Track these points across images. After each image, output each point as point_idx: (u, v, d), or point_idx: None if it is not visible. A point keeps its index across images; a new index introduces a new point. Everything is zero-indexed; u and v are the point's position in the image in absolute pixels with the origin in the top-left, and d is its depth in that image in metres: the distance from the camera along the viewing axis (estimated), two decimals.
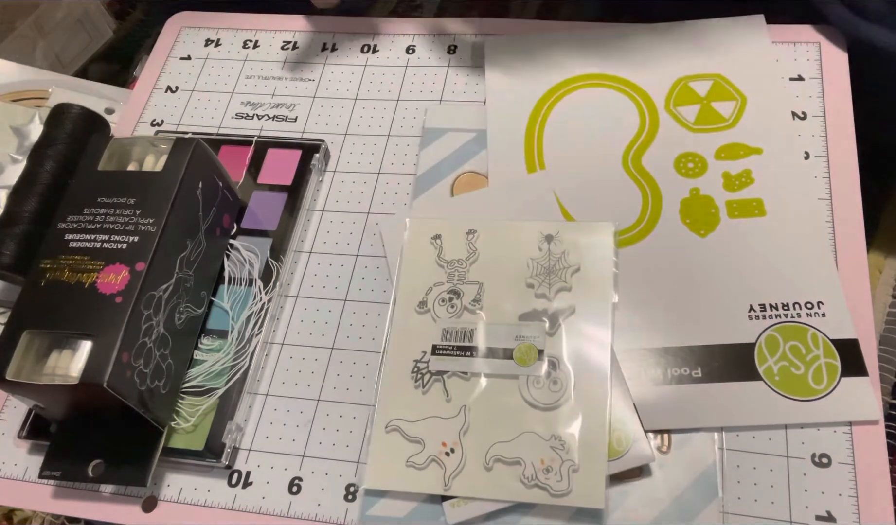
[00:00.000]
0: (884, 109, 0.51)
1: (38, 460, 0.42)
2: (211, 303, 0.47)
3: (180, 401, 0.44)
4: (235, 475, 0.42)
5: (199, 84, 0.58)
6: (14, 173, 0.55)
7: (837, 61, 0.50)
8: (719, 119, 0.49)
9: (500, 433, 0.40)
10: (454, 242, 0.46)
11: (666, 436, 0.40)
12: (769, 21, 0.52)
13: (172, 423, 0.43)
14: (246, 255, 0.49)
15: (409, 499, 0.40)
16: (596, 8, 0.68)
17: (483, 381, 0.42)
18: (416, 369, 0.43)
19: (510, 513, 0.39)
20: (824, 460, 0.39)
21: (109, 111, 0.62)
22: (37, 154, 0.49)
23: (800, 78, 0.50)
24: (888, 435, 0.40)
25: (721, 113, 0.50)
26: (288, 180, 0.51)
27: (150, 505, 0.42)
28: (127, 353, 0.39)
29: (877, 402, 0.40)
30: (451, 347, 0.43)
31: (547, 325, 0.42)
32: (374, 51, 0.58)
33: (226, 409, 0.43)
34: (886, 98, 0.51)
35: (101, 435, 0.42)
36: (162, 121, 0.57)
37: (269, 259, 0.48)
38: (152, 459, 0.41)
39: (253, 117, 0.56)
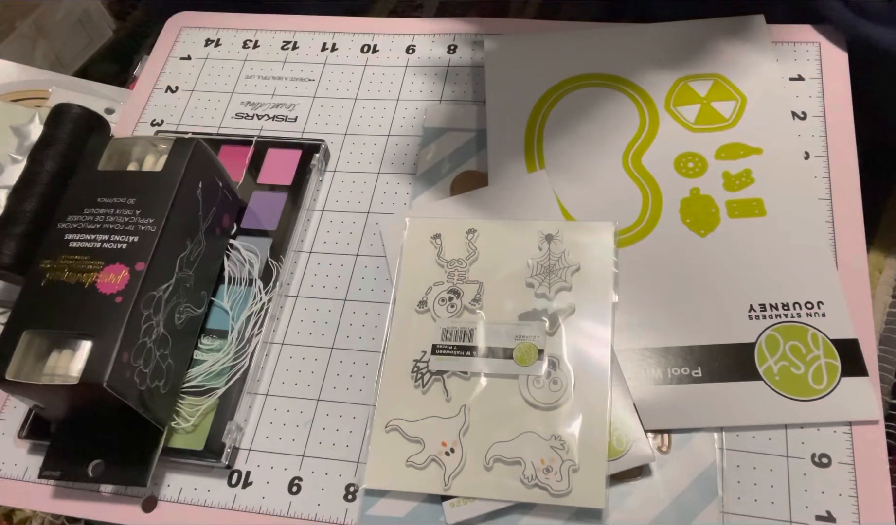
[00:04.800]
0: (884, 109, 0.51)
1: (38, 460, 0.42)
2: (211, 303, 0.47)
3: (180, 401, 0.44)
4: (235, 475, 0.42)
5: (199, 84, 0.58)
6: (14, 173, 0.55)
7: (837, 61, 0.50)
8: (719, 119, 0.49)
9: (500, 433, 0.40)
10: (454, 242, 0.46)
11: (666, 436, 0.40)
12: (769, 21, 0.52)
13: (172, 423, 0.43)
14: (246, 255, 0.49)
15: (409, 499, 0.40)
16: (596, 8, 0.68)
17: (483, 380, 0.42)
18: (415, 369, 0.43)
19: (510, 513, 0.39)
20: (824, 460, 0.39)
21: (109, 111, 0.62)
22: (37, 154, 0.49)
23: (800, 78, 0.50)
24: (888, 435, 0.40)
25: (721, 113, 0.50)
26: (288, 180, 0.51)
27: (150, 505, 0.42)
28: (127, 353, 0.39)
29: (877, 402, 0.40)
30: (450, 347, 0.43)
31: (547, 324, 0.42)
32: (374, 51, 0.58)
33: (226, 409, 0.43)
34: (886, 98, 0.51)
35: (101, 435, 0.42)
36: (162, 121, 0.57)
37: (269, 259, 0.48)
38: (152, 459, 0.41)
39: (253, 117, 0.56)
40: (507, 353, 0.42)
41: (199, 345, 0.46)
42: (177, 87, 0.59)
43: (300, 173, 0.51)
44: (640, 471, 0.39)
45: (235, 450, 0.43)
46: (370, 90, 0.56)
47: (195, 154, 0.45)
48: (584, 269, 0.44)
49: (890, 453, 0.39)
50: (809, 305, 0.42)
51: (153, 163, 0.46)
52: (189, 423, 0.43)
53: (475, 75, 0.55)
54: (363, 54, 0.58)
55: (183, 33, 0.62)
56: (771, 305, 0.43)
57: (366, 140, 0.54)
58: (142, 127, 0.57)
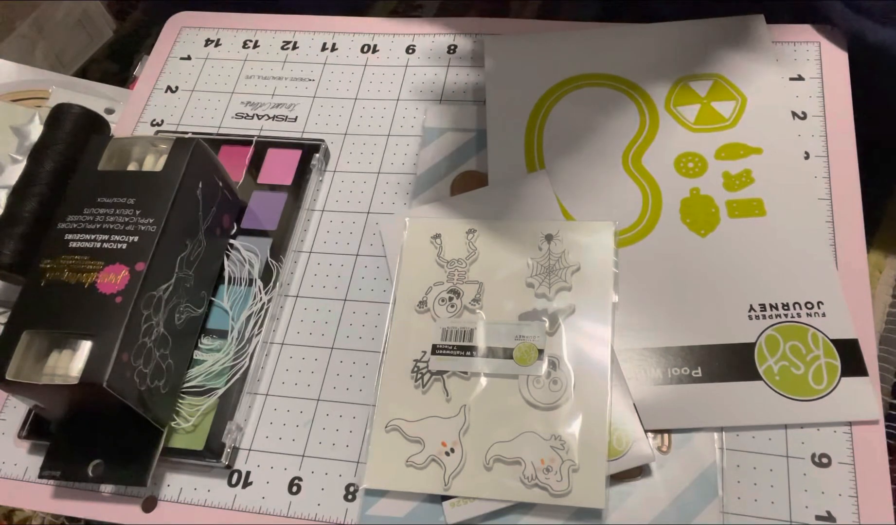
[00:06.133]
0: (884, 109, 0.51)
1: (38, 460, 0.42)
2: (211, 303, 0.47)
3: (180, 401, 0.44)
4: (235, 475, 0.42)
5: (199, 84, 0.58)
6: (14, 173, 0.55)
7: (837, 61, 0.50)
8: (719, 119, 0.49)
9: (500, 433, 0.40)
10: (454, 242, 0.46)
11: (666, 436, 0.40)
12: (769, 21, 0.52)
13: (172, 423, 0.43)
14: (246, 255, 0.49)
15: (409, 499, 0.40)
16: (596, 8, 0.68)
17: (483, 380, 0.42)
18: (415, 369, 0.43)
19: (510, 513, 0.39)
20: (824, 460, 0.39)
21: (109, 111, 0.62)
22: (37, 154, 0.49)
23: (800, 78, 0.50)
24: (888, 435, 0.40)
25: (721, 113, 0.50)
26: (288, 180, 0.51)
27: (150, 505, 0.42)
28: (127, 353, 0.39)
29: (877, 402, 0.40)
30: (450, 347, 0.43)
31: (547, 324, 0.42)
32: (374, 51, 0.58)
33: (226, 409, 0.43)
34: (886, 98, 0.51)
35: (101, 435, 0.42)
36: (162, 121, 0.57)
37: (269, 259, 0.48)
38: (152, 459, 0.41)
39: (253, 117, 0.56)
40: (507, 353, 0.42)
41: (199, 345, 0.46)
42: (177, 87, 0.59)
43: (300, 173, 0.51)
44: (640, 471, 0.39)
45: (235, 450, 0.43)
46: (370, 90, 0.56)
47: (195, 154, 0.45)
48: (584, 269, 0.44)
49: (890, 453, 0.39)
50: (809, 305, 0.42)
51: (153, 163, 0.46)
52: (189, 423, 0.43)
53: (475, 75, 0.55)
54: (363, 54, 0.58)
55: (183, 33, 0.62)
56: (771, 305, 0.43)
57: (366, 140, 0.54)
58: (142, 127, 0.57)
